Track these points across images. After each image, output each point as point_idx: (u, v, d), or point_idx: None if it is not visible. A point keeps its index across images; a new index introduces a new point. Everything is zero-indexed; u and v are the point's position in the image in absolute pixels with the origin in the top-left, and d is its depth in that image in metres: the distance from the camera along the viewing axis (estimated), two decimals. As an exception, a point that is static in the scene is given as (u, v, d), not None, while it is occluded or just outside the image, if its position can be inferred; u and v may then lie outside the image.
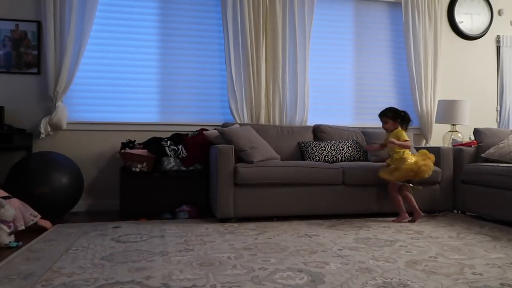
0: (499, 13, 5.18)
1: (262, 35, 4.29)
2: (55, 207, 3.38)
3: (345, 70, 4.75)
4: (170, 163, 3.71)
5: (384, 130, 3.67)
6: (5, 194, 2.90)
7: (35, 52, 3.96)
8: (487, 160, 3.80)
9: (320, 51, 4.62)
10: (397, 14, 4.84)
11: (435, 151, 3.87)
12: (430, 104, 4.76)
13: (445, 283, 1.91)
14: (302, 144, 4.04)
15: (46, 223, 3.07)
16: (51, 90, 3.86)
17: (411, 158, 3.41)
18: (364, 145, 4.11)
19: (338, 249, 2.52)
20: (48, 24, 3.84)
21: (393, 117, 3.55)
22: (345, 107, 4.75)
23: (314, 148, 3.94)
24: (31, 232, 2.88)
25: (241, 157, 3.47)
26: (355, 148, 4.04)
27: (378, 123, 4.68)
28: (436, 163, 3.80)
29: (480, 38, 5.13)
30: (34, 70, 3.96)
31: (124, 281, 1.92)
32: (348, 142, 4.07)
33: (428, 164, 3.45)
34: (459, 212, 3.88)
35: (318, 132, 4.24)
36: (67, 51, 3.86)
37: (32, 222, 2.91)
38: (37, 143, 3.91)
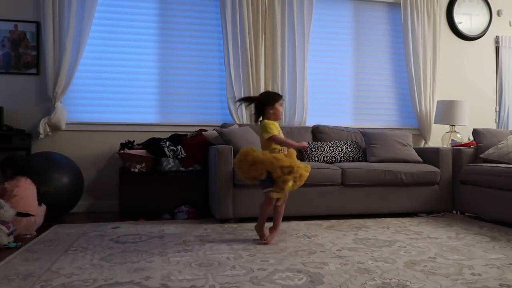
0: (498, 13, 5.18)
1: (261, 35, 4.29)
2: (56, 206, 3.36)
3: (344, 70, 4.75)
4: (169, 164, 3.71)
5: (381, 130, 3.58)
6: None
7: (34, 53, 3.96)
8: (486, 160, 3.81)
9: (319, 52, 4.63)
10: (396, 15, 4.85)
11: (434, 151, 3.87)
12: (429, 105, 4.77)
13: (444, 284, 1.91)
14: (301, 145, 4.03)
15: None
16: (50, 91, 3.86)
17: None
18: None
19: (337, 250, 2.52)
20: (47, 24, 3.84)
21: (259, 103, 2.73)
22: (344, 108, 4.75)
23: (313, 149, 3.94)
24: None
25: (240, 157, 3.47)
26: (354, 148, 4.04)
27: (377, 124, 4.74)
28: (435, 164, 3.82)
29: (479, 39, 5.14)
30: (33, 71, 3.96)
31: (123, 281, 1.91)
32: (347, 142, 4.07)
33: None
34: (458, 212, 3.88)
35: (317, 132, 4.24)
36: (66, 52, 3.86)
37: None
38: (36, 143, 3.91)
